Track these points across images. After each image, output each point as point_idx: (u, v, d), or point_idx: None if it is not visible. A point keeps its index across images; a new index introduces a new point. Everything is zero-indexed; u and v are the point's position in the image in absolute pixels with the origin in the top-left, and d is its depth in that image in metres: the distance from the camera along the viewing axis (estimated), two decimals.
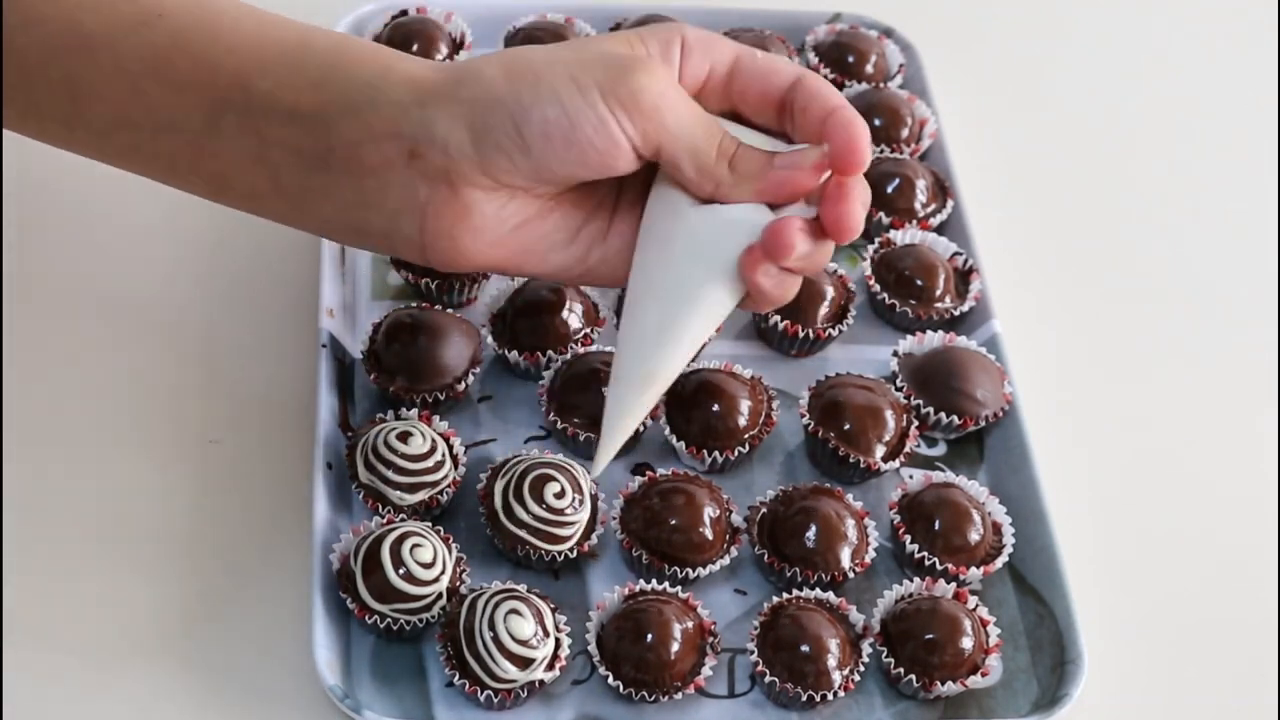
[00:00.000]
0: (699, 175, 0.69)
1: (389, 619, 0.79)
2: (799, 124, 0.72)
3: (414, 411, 0.86)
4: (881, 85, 1.07)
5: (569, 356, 0.89)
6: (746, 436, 0.88)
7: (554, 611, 0.80)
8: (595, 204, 0.74)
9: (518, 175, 0.70)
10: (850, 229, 0.69)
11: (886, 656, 0.81)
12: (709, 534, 0.83)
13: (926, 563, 0.84)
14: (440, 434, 0.85)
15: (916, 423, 0.90)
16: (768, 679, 0.79)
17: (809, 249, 0.70)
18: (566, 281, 0.81)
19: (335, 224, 0.74)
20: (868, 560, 0.84)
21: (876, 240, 0.98)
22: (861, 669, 0.80)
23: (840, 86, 1.07)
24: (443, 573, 0.80)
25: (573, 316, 0.91)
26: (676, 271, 0.70)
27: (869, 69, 1.08)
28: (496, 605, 0.78)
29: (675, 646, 0.79)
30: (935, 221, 1.00)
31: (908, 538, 0.85)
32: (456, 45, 1.05)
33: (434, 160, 0.69)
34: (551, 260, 0.75)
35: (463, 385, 0.88)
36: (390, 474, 0.83)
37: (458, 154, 0.69)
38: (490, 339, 0.91)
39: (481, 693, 0.77)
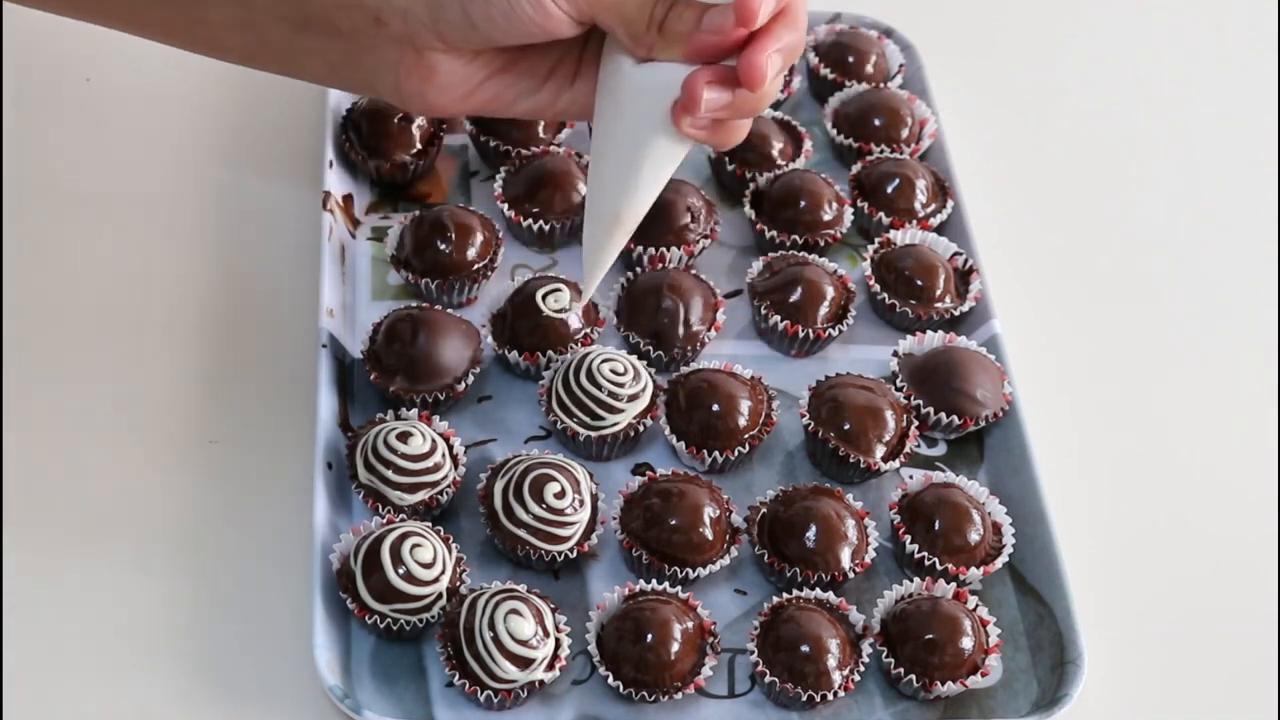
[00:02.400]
0: (632, 41, 0.73)
1: (389, 619, 0.79)
2: None
3: (414, 411, 0.86)
4: (881, 85, 1.07)
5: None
6: (746, 436, 0.88)
7: (554, 611, 0.80)
8: (560, 53, 0.78)
9: (471, 44, 0.75)
10: (754, 77, 0.71)
11: (886, 656, 0.81)
12: (709, 534, 0.83)
13: (926, 563, 0.84)
14: (440, 434, 0.85)
15: (916, 423, 0.90)
16: (768, 679, 0.79)
17: (724, 99, 0.73)
18: (540, 119, 0.86)
19: (324, 78, 0.80)
20: (868, 560, 0.84)
21: (876, 240, 0.98)
22: (861, 669, 0.80)
23: (840, 86, 1.07)
24: (443, 573, 0.80)
25: (572, 316, 0.91)
26: (625, 125, 0.74)
27: (869, 69, 1.08)
28: (496, 605, 0.78)
29: (675, 646, 0.79)
30: (935, 221, 1.00)
31: (908, 538, 0.85)
32: None
33: (396, 28, 0.74)
34: (521, 105, 0.79)
35: (463, 385, 0.88)
36: (390, 474, 0.83)
37: (417, 24, 0.74)
38: (490, 339, 0.91)
39: (481, 693, 0.77)
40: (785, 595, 0.82)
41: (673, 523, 0.83)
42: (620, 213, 0.76)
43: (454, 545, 0.82)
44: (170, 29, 0.78)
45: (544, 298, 0.89)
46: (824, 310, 0.94)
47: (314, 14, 0.75)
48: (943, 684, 0.80)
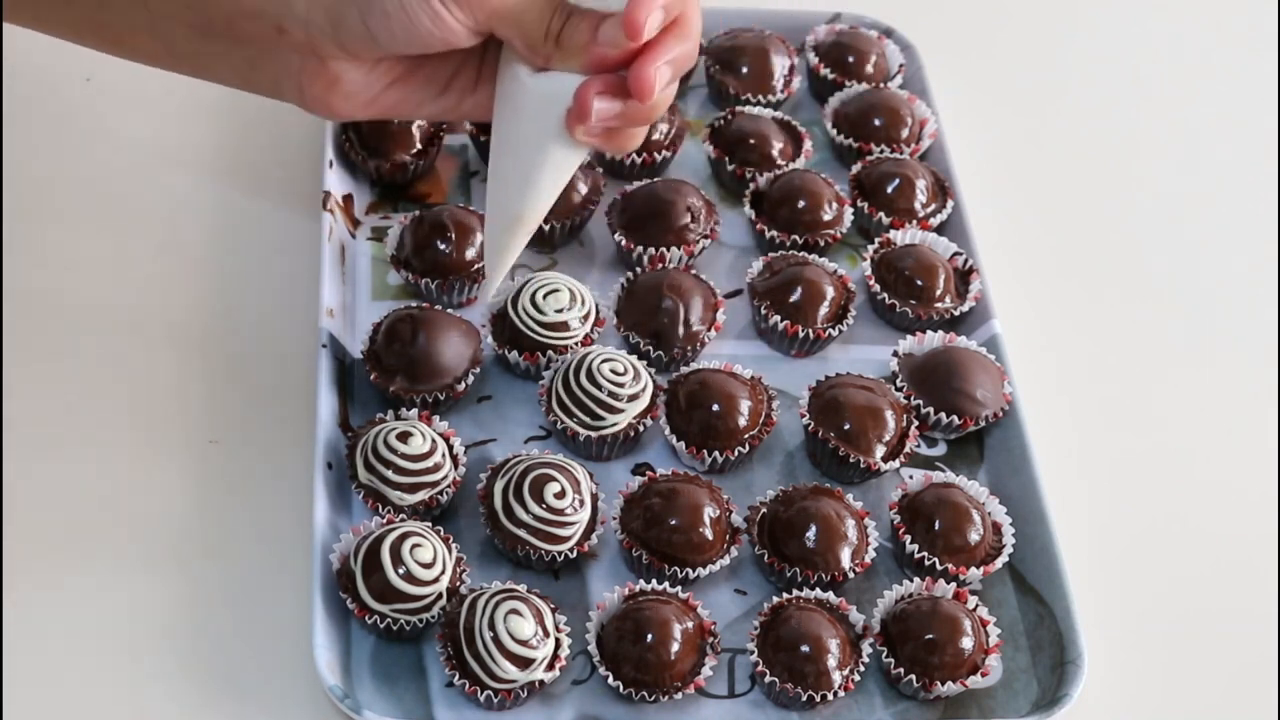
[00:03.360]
0: (529, 52, 0.74)
1: (389, 619, 0.79)
2: None
3: (414, 411, 0.86)
4: (881, 85, 1.07)
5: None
6: (746, 436, 0.88)
7: (554, 611, 0.80)
8: (460, 61, 0.78)
9: (372, 54, 0.75)
10: (642, 88, 0.72)
11: (886, 656, 0.81)
12: (709, 534, 0.83)
13: (926, 563, 0.84)
14: (440, 434, 0.85)
15: (916, 423, 0.90)
16: (768, 679, 0.79)
17: (615, 109, 0.73)
18: (445, 121, 0.86)
19: (231, 81, 0.80)
20: (868, 560, 0.84)
21: (876, 240, 0.98)
22: (861, 669, 0.80)
23: (840, 86, 1.07)
24: (443, 573, 0.80)
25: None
26: (523, 132, 0.75)
27: (869, 69, 1.08)
28: (496, 605, 0.78)
29: (675, 646, 0.79)
30: (935, 221, 1.00)
31: (908, 538, 0.85)
32: None
33: (298, 36, 0.74)
34: (425, 110, 0.80)
35: (463, 385, 0.88)
36: (390, 474, 0.83)
37: (318, 33, 0.74)
38: (490, 339, 0.91)
39: (481, 693, 0.77)
40: (785, 595, 0.82)
41: (673, 523, 0.83)
42: (522, 214, 0.77)
43: (454, 545, 0.82)
44: (79, 29, 0.79)
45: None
46: (824, 310, 0.94)
47: (217, 20, 0.75)
48: (943, 684, 0.80)
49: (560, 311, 0.90)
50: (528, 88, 0.74)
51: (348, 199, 0.98)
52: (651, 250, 0.96)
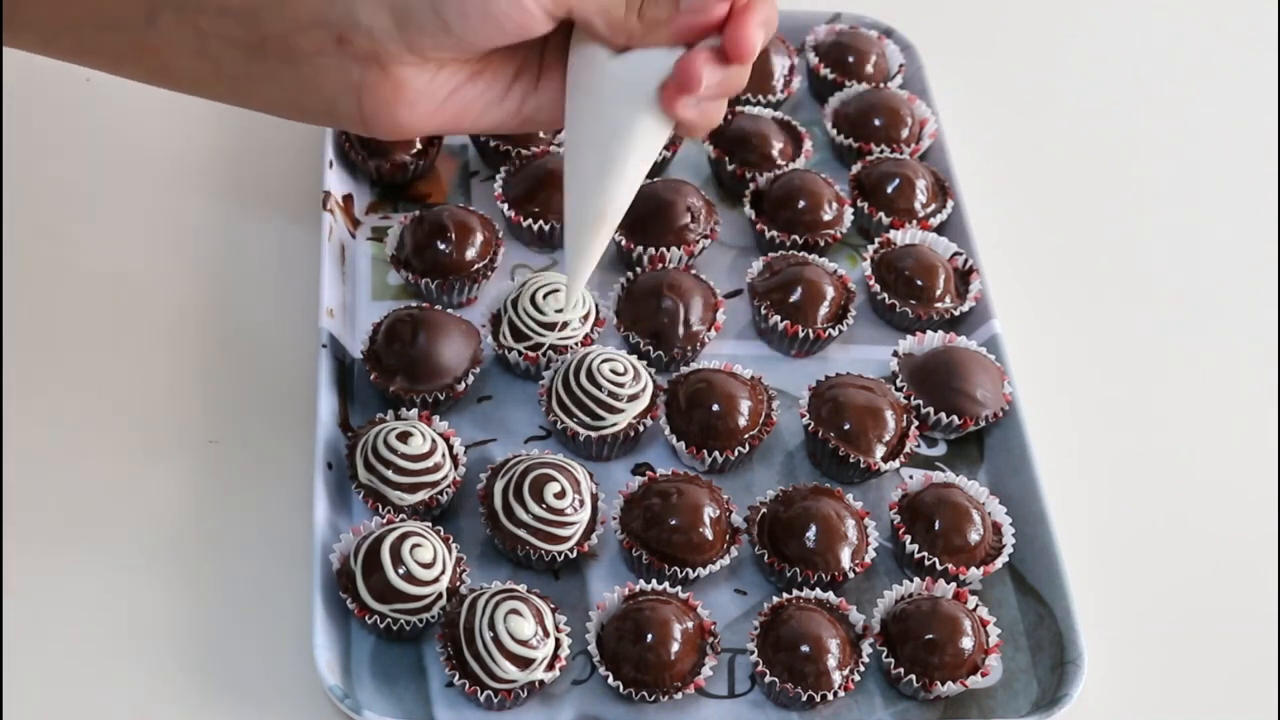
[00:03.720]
0: (611, 30, 0.72)
1: (389, 619, 0.79)
2: None
3: (414, 411, 0.86)
4: (881, 85, 1.07)
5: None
6: (746, 436, 0.88)
7: (554, 611, 0.80)
8: (522, 59, 0.76)
9: (442, 50, 0.73)
10: (744, 51, 0.71)
11: (886, 656, 0.81)
12: (709, 534, 0.83)
13: (926, 563, 0.84)
14: (440, 434, 0.85)
15: (916, 423, 0.90)
16: (768, 679, 0.79)
17: (717, 77, 0.72)
18: (507, 132, 0.83)
19: (280, 106, 0.77)
20: (868, 560, 0.84)
21: (876, 240, 0.98)
22: (861, 669, 0.80)
23: (840, 86, 1.07)
24: (443, 573, 0.80)
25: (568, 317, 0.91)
26: (605, 117, 0.73)
27: (869, 69, 1.08)
28: (496, 605, 0.78)
29: (675, 646, 0.79)
30: (935, 221, 1.00)
31: (908, 538, 0.85)
32: None
33: (361, 44, 0.72)
34: (488, 117, 0.77)
35: (463, 385, 0.88)
36: (390, 474, 0.83)
37: (383, 37, 0.72)
38: (490, 339, 0.91)
39: (481, 693, 0.77)
40: (785, 595, 0.82)
41: (673, 523, 0.83)
42: (604, 209, 0.75)
43: (454, 545, 0.82)
44: (119, 59, 0.76)
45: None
46: (824, 310, 0.94)
47: (271, 37, 0.72)
48: (943, 684, 0.80)
49: (560, 311, 0.90)
50: (609, 72, 0.72)
51: (348, 199, 0.98)
52: (651, 250, 0.96)
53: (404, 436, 0.83)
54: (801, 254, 0.97)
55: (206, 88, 0.76)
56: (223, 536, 0.84)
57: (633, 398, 0.87)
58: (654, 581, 0.82)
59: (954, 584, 0.83)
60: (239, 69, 0.74)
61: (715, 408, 0.88)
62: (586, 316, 0.91)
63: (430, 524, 0.82)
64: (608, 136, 0.73)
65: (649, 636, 0.79)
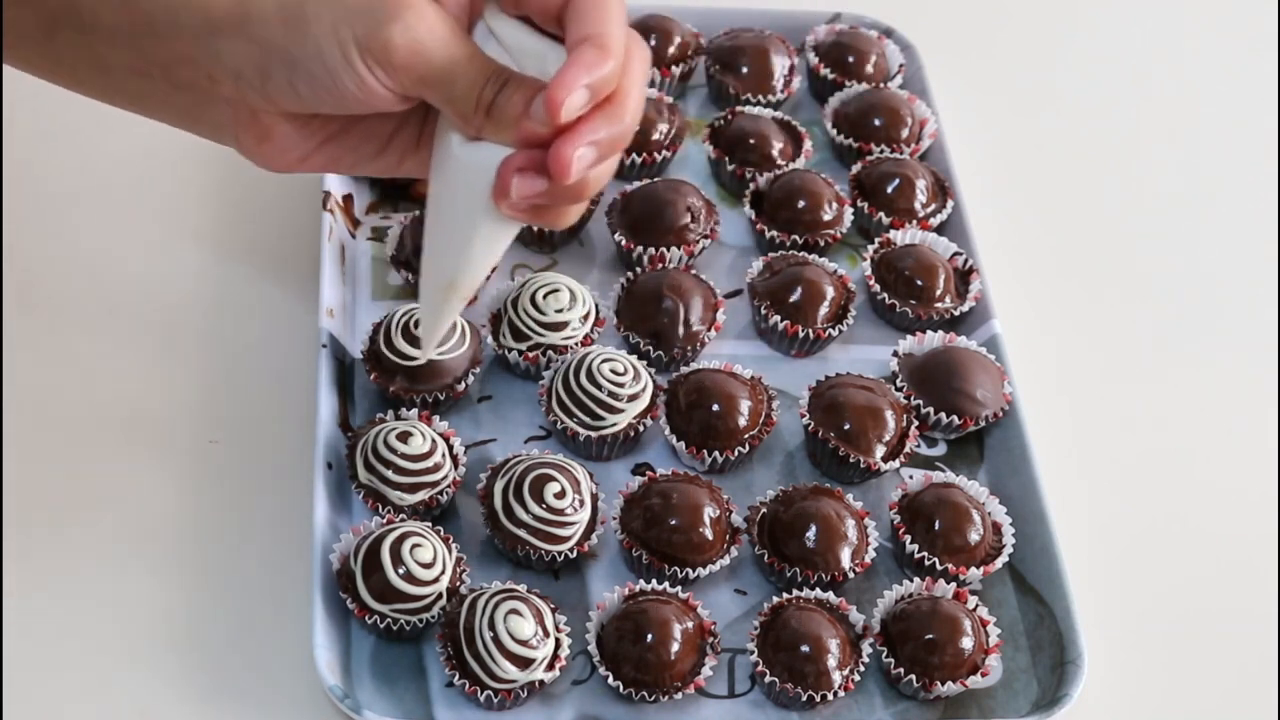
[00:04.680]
0: (461, 121, 0.71)
1: (389, 619, 0.79)
2: (568, 44, 0.72)
3: (414, 411, 0.86)
4: (881, 85, 1.07)
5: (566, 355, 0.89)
6: (746, 436, 0.88)
7: (554, 611, 0.80)
8: (401, 118, 0.75)
9: (302, 110, 0.73)
10: (560, 171, 0.68)
11: (886, 656, 0.81)
12: (709, 534, 0.83)
13: (926, 563, 0.84)
14: (440, 434, 0.85)
15: (916, 423, 0.90)
16: (768, 679, 0.79)
17: (535, 186, 0.70)
18: (386, 176, 0.82)
19: (175, 124, 0.78)
20: (868, 560, 0.84)
21: (876, 240, 0.98)
22: (861, 669, 0.80)
23: (840, 86, 1.07)
24: (443, 573, 0.80)
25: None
26: (456, 201, 0.72)
27: (869, 69, 1.08)
28: (496, 605, 0.78)
29: (675, 646, 0.79)
30: (935, 221, 1.00)
31: (908, 538, 0.85)
32: None
33: (228, 88, 0.72)
34: (365, 168, 0.77)
35: (463, 385, 0.88)
36: (390, 474, 0.83)
37: (248, 87, 0.72)
38: (490, 339, 0.91)
39: (481, 693, 0.77)
40: (785, 595, 0.82)
41: (673, 523, 0.83)
42: (455, 282, 0.74)
43: (454, 545, 0.82)
44: (31, 64, 0.77)
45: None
46: (824, 310, 0.94)
47: (155, 64, 0.73)
48: (943, 684, 0.80)
49: (560, 311, 0.90)
50: (457, 158, 0.71)
51: (348, 199, 0.98)
52: (651, 250, 0.96)
53: (404, 436, 0.83)
54: (801, 254, 0.97)
55: (111, 98, 0.77)
56: (223, 536, 0.84)
57: (633, 398, 0.87)
58: (654, 581, 0.82)
59: (954, 584, 0.83)
60: (134, 87, 0.75)
61: (715, 408, 0.88)
62: (586, 316, 0.91)
63: (430, 524, 0.82)
64: (458, 218, 0.72)
65: (649, 636, 0.79)
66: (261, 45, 0.70)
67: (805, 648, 0.79)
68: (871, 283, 0.96)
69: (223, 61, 0.71)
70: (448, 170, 0.72)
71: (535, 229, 0.96)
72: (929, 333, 0.94)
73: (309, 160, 0.75)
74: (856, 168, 1.02)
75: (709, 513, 0.84)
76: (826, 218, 0.99)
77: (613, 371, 0.87)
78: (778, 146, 1.02)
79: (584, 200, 0.72)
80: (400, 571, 0.79)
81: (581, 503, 0.83)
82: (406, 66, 0.69)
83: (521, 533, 0.82)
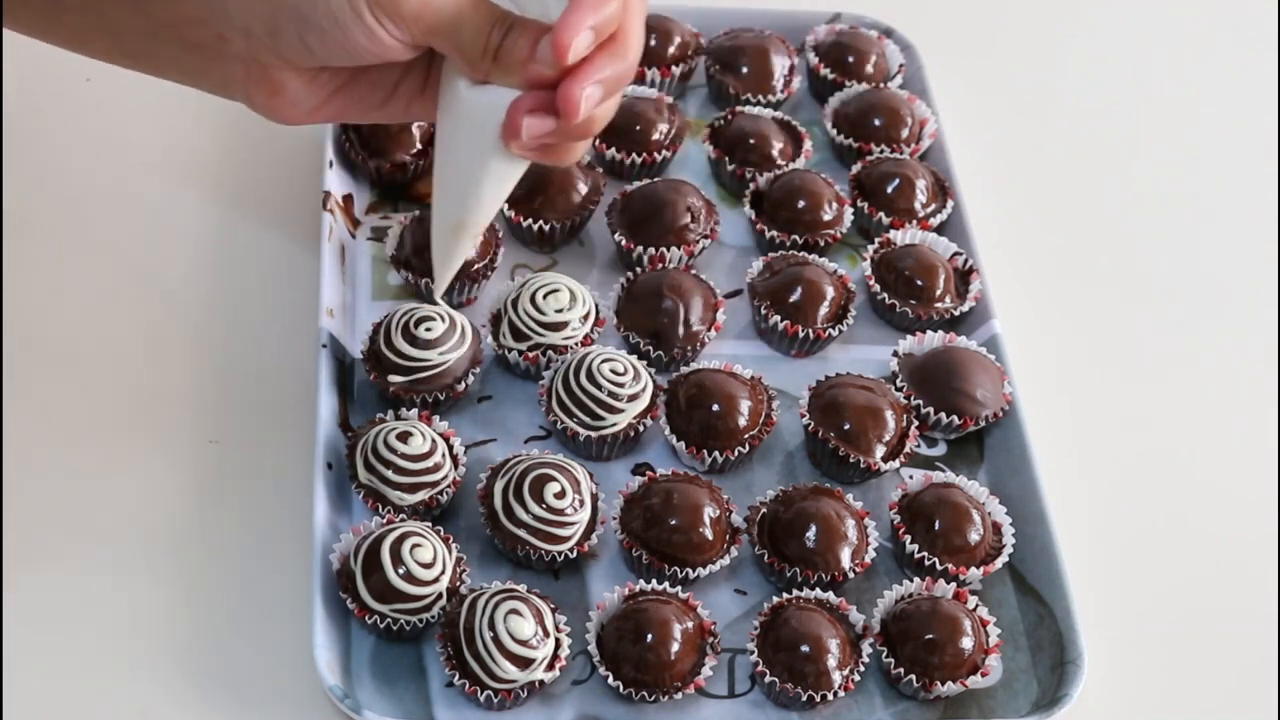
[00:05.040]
0: (468, 66, 0.73)
1: (389, 619, 0.79)
2: None
3: (414, 411, 0.86)
4: (881, 85, 1.07)
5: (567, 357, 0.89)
6: (746, 436, 0.88)
7: (554, 611, 0.80)
8: (406, 65, 0.77)
9: (311, 63, 0.74)
10: (569, 109, 0.71)
11: (886, 656, 0.81)
12: (709, 534, 0.83)
13: (926, 563, 0.84)
14: (440, 434, 0.85)
15: (916, 423, 0.90)
16: (768, 679, 0.79)
17: (544, 126, 0.72)
18: (393, 123, 0.86)
19: (184, 82, 0.79)
20: (868, 560, 0.84)
21: (876, 240, 0.98)
22: (861, 669, 0.80)
23: (840, 86, 1.07)
24: (443, 573, 0.80)
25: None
26: (463, 142, 0.74)
27: (869, 69, 1.08)
28: (496, 605, 0.78)
29: (675, 646, 0.79)
30: (935, 221, 1.00)
31: (908, 538, 0.85)
32: None
33: (238, 45, 0.73)
34: (373, 115, 0.79)
35: (463, 385, 0.88)
36: (390, 474, 0.83)
37: (258, 43, 0.73)
38: (490, 339, 0.91)
39: (481, 693, 0.77)
40: (785, 595, 0.82)
41: (673, 523, 0.83)
42: (464, 221, 0.76)
43: (454, 545, 0.82)
44: (33, 24, 0.78)
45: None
46: (824, 310, 0.94)
47: (163, 25, 0.74)
48: (943, 684, 0.80)
49: (560, 311, 0.90)
50: (466, 100, 0.73)
51: (348, 199, 0.98)
52: (651, 250, 0.96)
53: (404, 436, 0.83)
54: (801, 254, 0.97)
55: (116, 59, 0.78)
56: (223, 536, 0.84)
57: (633, 398, 0.87)
58: (654, 581, 0.82)
59: (954, 584, 0.83)
60: (142, 48, 0.76)
61: (715, 408, 0.88)
62: (586, 316, 0.91)
63: (430, 524, 0.82)
64: (466, 158, 0.74)
65: (649, 636, 0.79)
66: (271, 2, 0.71)
67: (805, 648, 0.79)
68: (871, 283, 0.96)
69: (232, 20, 0.72)
70: (456, 113, 0.74)
71: (535, 229, 0.96)
72: (929, 333, 0.94)
73: (319, 111, 0.77)
74: (856, 168, 1.02)
75: (709, 513, 0.84)
76: (826, 218, 0.99)
77: (613, 371, 0.87)
78: (778, 146, 1.02)
79: (590, 137, 0.74)
80: (400, 571, 0.79)
81: (581, 503, 0.83)
82: (415, 17, 0.70)
83: (521, 533, 0.82)
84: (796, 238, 0.98)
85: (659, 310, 0.92)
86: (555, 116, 0.71)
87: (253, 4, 0.71)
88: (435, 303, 0.92)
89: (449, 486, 0.84)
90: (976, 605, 0.83)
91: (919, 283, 0.95)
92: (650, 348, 0.92)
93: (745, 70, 1.07)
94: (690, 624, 0.80)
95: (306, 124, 0.78)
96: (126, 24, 0.75)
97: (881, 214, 0.99)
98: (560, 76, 0.70)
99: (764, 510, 0.85)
